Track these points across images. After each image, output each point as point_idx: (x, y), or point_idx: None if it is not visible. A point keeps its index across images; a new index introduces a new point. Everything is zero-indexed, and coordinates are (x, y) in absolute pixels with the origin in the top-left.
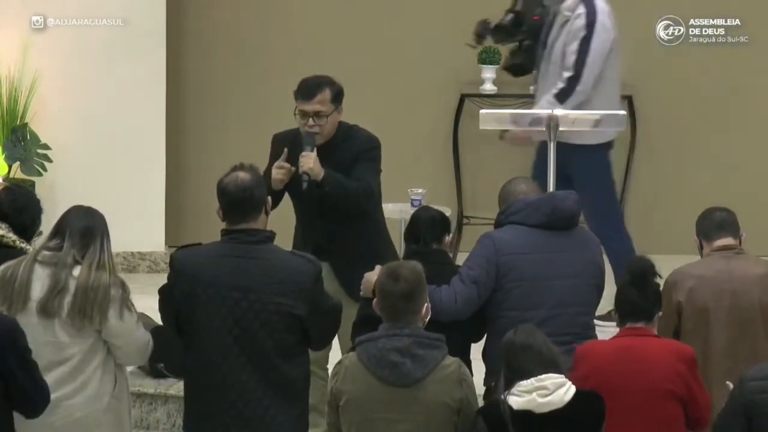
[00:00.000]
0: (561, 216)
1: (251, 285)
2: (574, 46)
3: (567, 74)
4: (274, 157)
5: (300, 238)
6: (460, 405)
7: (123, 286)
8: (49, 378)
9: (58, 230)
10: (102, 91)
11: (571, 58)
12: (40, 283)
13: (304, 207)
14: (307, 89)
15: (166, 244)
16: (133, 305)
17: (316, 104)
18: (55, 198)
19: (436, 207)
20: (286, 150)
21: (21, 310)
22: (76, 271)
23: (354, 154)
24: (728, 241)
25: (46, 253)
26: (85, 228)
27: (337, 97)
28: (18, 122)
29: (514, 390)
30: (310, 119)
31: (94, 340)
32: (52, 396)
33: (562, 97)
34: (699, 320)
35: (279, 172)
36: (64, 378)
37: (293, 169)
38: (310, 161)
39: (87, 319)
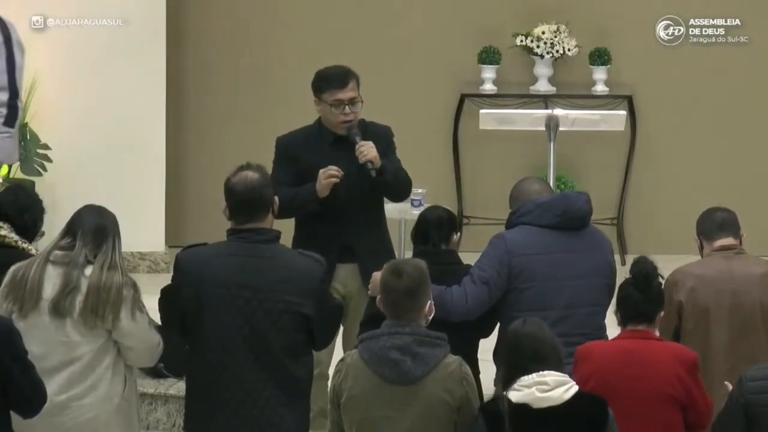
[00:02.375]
0: (572, 216)
1: (261, 284)
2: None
3: (4, 96)
4: (287, 160)
5: (318, 241)
6: (460, 403)
7: (135, 286)
8: (60, 378)
9: (70, 229)
10: (102, 91)
11: (2, 78)
12: (51, 282)
13: (329, 207)
14: (340, 77)
15: (166, 244)
16: (144, 306)
17: (349, 91)
18: (55, 198)
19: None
20: (342, 174)
21: (32, 310)
22: (88, 270)
23: (378, 146)
24: (729, 241)
25: (57, 252)
26: (97, 227)
27: (359, 84)
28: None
29: (515, 385)
30: (346, 107)
31: (105, 340)
32: (62, 396)
33: (12, 121)
34: (699, 320)
35: (332, 179)
36: (75, 378)
37: (342, 173)
38: (373, 150)
39: (99, 318)
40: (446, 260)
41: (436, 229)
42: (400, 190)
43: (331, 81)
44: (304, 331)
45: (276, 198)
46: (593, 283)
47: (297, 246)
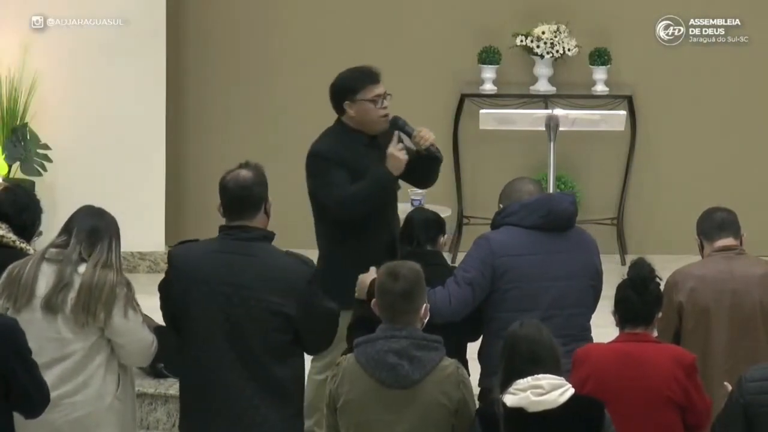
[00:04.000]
0: (557, 217)
1: (243, 282)
2: None
3: None
4: (336, 165)
5: (385, 242)
6: (457, 406)
7: (128, 285)
8: (51, 375)
9: (66, 228)
10: (102, 91)
11: None
12: (45, 279)
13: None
14: (373, 73)
15: (166, 244)
16: (138, 305)
17: (382, 85)
18: (55, 198)
19: (433, 207)
20: (397, 133)
21: (25, 306)
22: (82, 268)
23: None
24: (729, 241)
25: (52, 250)
26: (92, 227)
27: None
28: (18, 122)
29: (510, 389)
30: (384, 101)
31: (97, 338)
32: (54, 393)
33: None
34: (700, 320)
35: (403, 153)
36: (65, 375)
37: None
38: (432, 134)
39: (91, 315)
40: (431, 260)
41: (423, 230)
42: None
43: (364, 79)
44: (287, 331)
45: (270, 199)
46: (577, 284)
47: (365, 257)
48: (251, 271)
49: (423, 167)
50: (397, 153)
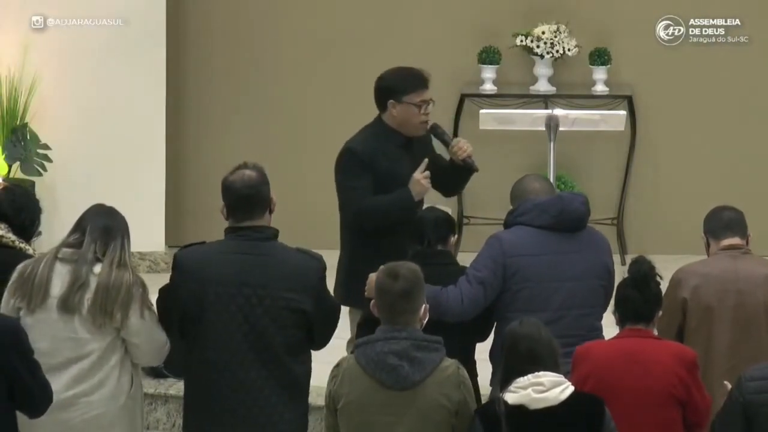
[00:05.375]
0: (568, 218)
1: (261, 281)
2: None
3: None
4: (366, 167)
5: (393, 252)
6: (458, 407)
7: (143, 285)
8: (67, 374)
9: (78, 227)
10: (102, 91)
11: None
12: (60, 279)
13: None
14: (423, 78)
15: (166, 244)
16: (152, 305)
17: (429, 92)
18: (55, 198)
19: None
20: (426, 160)
21: (40, 306)
22: (97, 268)
23: (428, 145)
24: (735, 241)
25: (66, 249)
26: (105, 227)
27: None
28: (18, 122)
29: (511, 387)
30: (427, 107)
31: (113, 338)
32: (70, 393)
33: None
34: (703, 318)
35: (427, 181)
36: (82, 375)
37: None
38: (470, 145)
39: (108, 316)
40: (441, 260)
41: (433, 230)
42: None
43: (415, 82)
44: (303, 328)
45: (273, 197)
46: (587, 284)
47: (386, 256)
48: (268, 271)
49: (455, 177)
50: (422, 180)
